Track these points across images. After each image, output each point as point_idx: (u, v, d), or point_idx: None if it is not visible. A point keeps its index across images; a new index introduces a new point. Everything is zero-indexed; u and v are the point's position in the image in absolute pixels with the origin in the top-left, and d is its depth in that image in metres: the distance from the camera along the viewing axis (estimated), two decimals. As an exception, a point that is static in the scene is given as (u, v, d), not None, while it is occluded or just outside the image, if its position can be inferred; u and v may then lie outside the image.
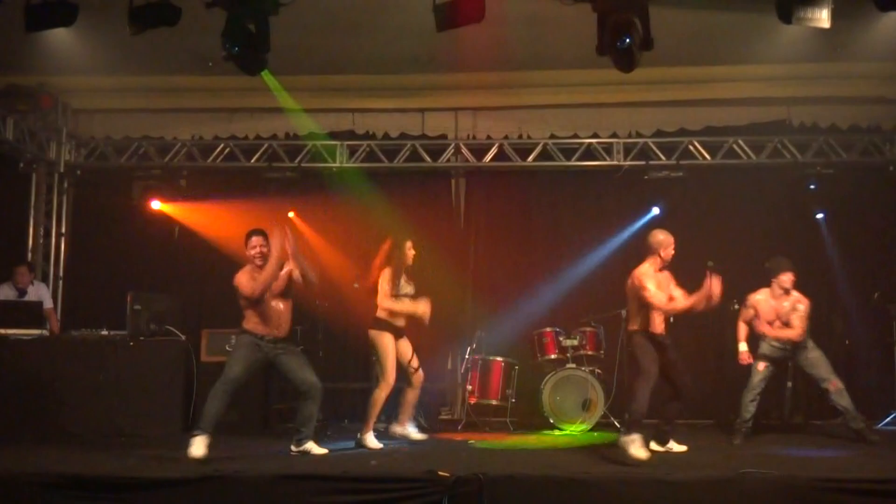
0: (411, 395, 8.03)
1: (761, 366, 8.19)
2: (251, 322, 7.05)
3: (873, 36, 8.28)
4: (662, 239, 7.17)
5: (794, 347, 8.13)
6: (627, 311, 7.34)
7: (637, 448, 6.72)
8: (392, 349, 7.71)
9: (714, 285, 6.90)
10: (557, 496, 5.80)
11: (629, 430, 6.83)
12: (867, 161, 10.23)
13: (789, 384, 9.37)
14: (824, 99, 10.15)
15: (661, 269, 7.19)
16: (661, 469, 6.41)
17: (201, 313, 9.98)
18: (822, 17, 6.60)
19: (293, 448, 7.19)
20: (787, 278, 8.14)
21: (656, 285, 7.03)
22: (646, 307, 7.03)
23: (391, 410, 8.25)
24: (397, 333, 7.81)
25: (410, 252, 7.88)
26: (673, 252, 7.19)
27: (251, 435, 7.96)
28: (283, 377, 7.29)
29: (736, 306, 9.44)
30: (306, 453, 7.14)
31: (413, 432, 8.11)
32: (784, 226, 10.16)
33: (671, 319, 7.38)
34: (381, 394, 7.66)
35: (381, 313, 7.74)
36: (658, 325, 7.13)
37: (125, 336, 8.64)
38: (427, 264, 8.47)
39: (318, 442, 7.31)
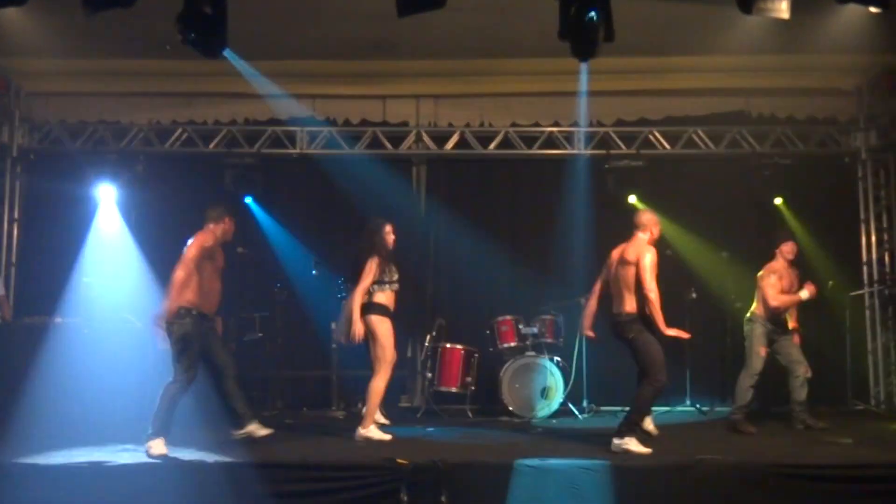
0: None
1: (763, 351, 8.09)
2: (190, 294, 6.83)
3: (831, 28, 8.36)
4: (650, 217, 7.14)
5: (782, 329, 8.18)
6: (616, 292, 7.06)
7: (637, 446, 6.59)
8: (393, 336, 7.50)
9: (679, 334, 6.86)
10: (515, 483, 5.83)
11: (626, 434, 6.63)
12: (823, 152, 10.36)
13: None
14: (782, 90, 10.26)
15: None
16: (618, 455, 6.47)
17: (158, 300, 9.83)
18: (782, 9, 6.63)
19: (236, 432, 7.08)
20: (788, 249, 8.19)
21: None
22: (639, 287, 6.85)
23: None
24: (392, 321, 7.59)
25: (390, 236, 7.70)
26: (657, 230, 7.13)
27: (208, 421, 7.88)
28: (206, 357, 6.98)
29: (693, 295, 9.55)
30: (251, 435, 7.06)
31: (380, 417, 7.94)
32: (741, 215, 10.27)
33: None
34: (381, 383, 7.39)
35: (378, 298, 7.46)
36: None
37: (80, 323, 8.52)
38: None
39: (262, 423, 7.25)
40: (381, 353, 7.42)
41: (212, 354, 7.03)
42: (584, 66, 8.91)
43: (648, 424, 7.38)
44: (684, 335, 6.95)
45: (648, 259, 6.82)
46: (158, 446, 6.48)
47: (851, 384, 9.73)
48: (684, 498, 5.79)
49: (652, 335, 6.82)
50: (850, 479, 5.89)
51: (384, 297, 7.49)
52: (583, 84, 9.43)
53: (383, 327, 7.42)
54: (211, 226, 7.17)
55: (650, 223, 7.09)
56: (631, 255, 6.93)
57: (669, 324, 6.87)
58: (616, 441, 6.63)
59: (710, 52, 9.44)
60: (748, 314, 8.32)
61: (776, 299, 8.02)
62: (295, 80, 10.23)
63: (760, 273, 8.22)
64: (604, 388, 9.67)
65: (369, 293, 7.47)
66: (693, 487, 5.80)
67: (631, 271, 6.89)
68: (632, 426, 6.68)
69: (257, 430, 7.12)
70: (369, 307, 7.43)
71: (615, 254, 7.22)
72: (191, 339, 6.78)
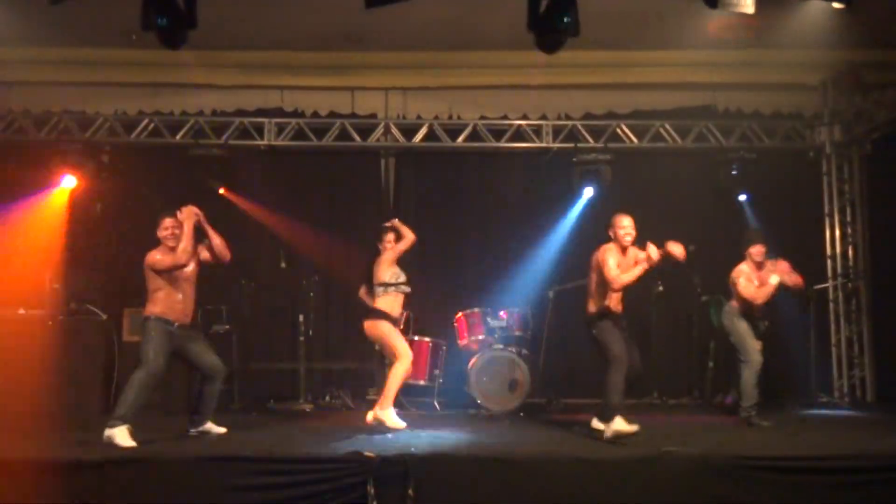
0: None
1: (759, 344, 8.04)
2: (161, 306, 6.84)
3: (796, 24, 8.43)
4: (613, 219, 7.22)
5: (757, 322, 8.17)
6: (587, 291, 7.24)
7: (624, 425, 6.69)
8: (394, 329, 7.59)
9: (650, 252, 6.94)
10: (483, 476, 5.85)
11: (608, 419, 6.74)
12: (789, 146, 10.47)
13: (711, 364, 9.57)
14: (748, 85, 10.34)
15: (623, 251, 7.15)
16: (584, 448, 6.51)
17: (123, 292, 9.75)
18: (747, 3, 6.71)
19: (191, 429, 7.10)
20: (756, 251, 8.14)
21: (617, 263, 7.01)
22: (604, 284, 7.01)
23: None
24: (394, 324, 7.68)
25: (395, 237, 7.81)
26: (624, 233, 7.12)
27: (175, 416, 7.84)
28: (190, 363, 7.13)
29: (660, 288, 9.63)
30: (207, 433, 7.11)
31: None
32: (708, 208, 10.35)
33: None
34: (402, 367, 7.45)
35: (380, 304, 7.58)
36: (616, 303, 7.13)
37: (44, 315, 8.43)
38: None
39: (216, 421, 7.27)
40: (392, 350, 7.55)
41: (197, 358, 7.06)
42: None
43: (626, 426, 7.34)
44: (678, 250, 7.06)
45: (606, 259, 6.98)
46: (123, 435, 6.42)
47: (815, 377, 9.81)
48: (651, 490, 5.82)
49: (616, 330, 6.99)
50: (817, 470, 5.94)
51: (383, 302, 7.59)
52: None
53: (380, 329, 7.54)
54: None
55: (611, 225, 7.20)
56: (593, 260, 7.13)
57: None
58: (599, 425, 6.84)
59: (678, 47, 9.50)
60: (725, 307, 8.24)
61: (756, 296, 7.97)
62: (263, 71, 10.18)
63: (731, 276, 8.13)
64: (570, 381, 9.75)
65: (374, 297, 7.63)
66: (659, 480, 5.83)
67: (592, 276, 7.15)
68: (610, 410, 6.76)
69: (213, 427, 7.18)
70: (368, 312, 7.62)
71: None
72: (157, 336, 6.77)
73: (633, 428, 6.68)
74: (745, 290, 7.99)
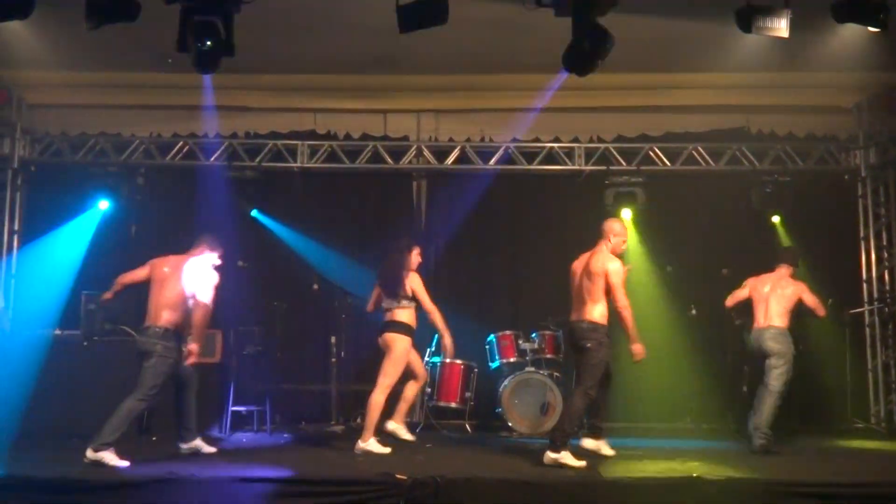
0: (414, 393, 7.81)
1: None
2: (177, 316, 6.99)
3: (830, 46, 8.39)
4: (609, 225, 7.18)
5: None
6: (579, 302, 7.12)
7: (572, 459, 6.63)
8: (406, 356, 7.56)
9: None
10: (514, 499, 5.82)
11: (559, 447, 6.66)
12: (823, 169, 10.38)
13: (744, 389, 9.46)
14: (782, 108, 10.27)
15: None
16: (616, 471, 6.46)
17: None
18: (781, 27, 6.70)
19: (181, 445, 7.16)
20: (784, 272, 8.12)
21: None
22: (603, 293, 6.90)
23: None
24: (413, 338, 7.71)
25: (417, 259, 7.85)
26: (620, 240, 7.14)
27: (207, 437, 7.87)
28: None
29: (693, 311, 9.55)
30: (197, 451, 7.17)
31: (403, 432, 7.82)
32: (742, 232, 10.26)
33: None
34: (381, 397, 7.43)
35: (403, 317, 7.58)
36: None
37: (78, 336, 8.51)
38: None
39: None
40: (392, 369, 7.48)
41: (177, 367, 7.10)
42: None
43: (605, 448, 7.38)
44: (640, 355, 6.98)
45: (614, 270, 6.88)
46: (112, 457, 6.46)
47: (851, 402, 9.68)
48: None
49: (606, 356, 6.92)
50: (847, 496, 5.86)
51: (406, 314, 7.59)
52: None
53: (400, 346, 7.50)
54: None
55: (609, 231, 7.12)
56: (596, 267, 6.96)
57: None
58: (552, 455, 6.64)
59: (711, 70, 9.46)
60: (779, 331, 7.90)
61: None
62: (296, 94, 10.27)
63: (795, 289, 8.01)
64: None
65: (390, 310, 7.61)
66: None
67: (597, 282, 6.93)
68: (565, 438, 6.72)
69: (203, 446, 7.24)
70: (391, 324, 7.57)
71: (578, 264, 7.24)
72: (173, 362, 6.89)
73: (581, 464, 6.62)
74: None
